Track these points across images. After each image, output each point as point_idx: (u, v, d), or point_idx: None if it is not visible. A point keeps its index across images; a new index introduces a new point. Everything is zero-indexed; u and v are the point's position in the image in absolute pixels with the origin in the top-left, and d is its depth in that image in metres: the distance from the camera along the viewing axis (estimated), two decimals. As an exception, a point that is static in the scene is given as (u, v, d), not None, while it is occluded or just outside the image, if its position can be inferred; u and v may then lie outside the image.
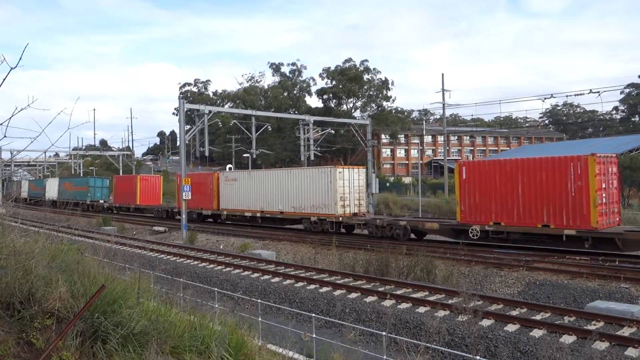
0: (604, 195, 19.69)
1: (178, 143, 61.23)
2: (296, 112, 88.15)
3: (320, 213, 29.19)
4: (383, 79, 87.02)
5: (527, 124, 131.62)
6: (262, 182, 33.32)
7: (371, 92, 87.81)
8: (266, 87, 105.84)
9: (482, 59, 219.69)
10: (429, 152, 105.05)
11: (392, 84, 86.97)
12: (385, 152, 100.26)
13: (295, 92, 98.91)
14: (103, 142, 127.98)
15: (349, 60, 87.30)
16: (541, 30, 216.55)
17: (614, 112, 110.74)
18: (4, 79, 4.34)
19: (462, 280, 18.10)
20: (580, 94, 39.05)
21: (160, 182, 53.83)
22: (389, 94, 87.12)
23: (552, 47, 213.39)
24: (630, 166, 41.72)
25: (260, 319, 11.51)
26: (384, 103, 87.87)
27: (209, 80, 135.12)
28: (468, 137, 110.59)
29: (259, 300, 13.84)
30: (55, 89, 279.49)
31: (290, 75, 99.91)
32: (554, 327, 11.65)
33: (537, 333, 11.49)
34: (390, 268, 18.76)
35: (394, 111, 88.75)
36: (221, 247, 28.84)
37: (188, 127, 48.99)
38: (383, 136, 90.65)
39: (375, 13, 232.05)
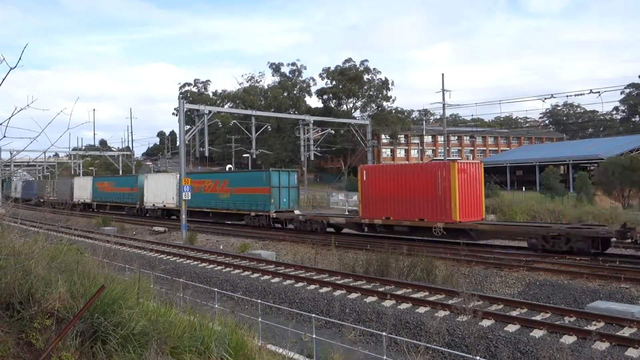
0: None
1: (178, 143, 61.25)
2: (296, 112, 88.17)
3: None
4: (383, 79, 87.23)
5: (527, 124, 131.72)
6: None
7: (371, 92, 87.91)
8: (266, 87, 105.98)
9: (482, 59, 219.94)
10: (429, 152, 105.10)
11: (392, 84, 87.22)
12: (385, 152, 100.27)
13: (295, 92, 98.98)
14: (103, 142, 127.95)
15: (349, 60, 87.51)
16: (541, 31, 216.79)
17: (614, 112, 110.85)
18: (4, 79, 4.33)
19: (462, 280, 18.09)
20: (581, 94, 39.06)
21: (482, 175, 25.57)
22: (389, 94, 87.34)
23: (552, 47, 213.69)
24: (630, 166, 41.67)
25: (260, 319, 11.50)
26: (384, 103, 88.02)
27: (208, 81, 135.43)
28: (468, 137, 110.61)
29: (259, 301, 13.84)
30: (55, 89, 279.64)
31: (290, 76, 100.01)
32: (554, 328, 11.63)
33: (537, 333, 11.48)
34: (391, 268, 18.74)
35: (394, 111, 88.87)
36: (221, 247, 28.83)
37: (188, 127, 48.77)
38: (383, 136, 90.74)
39: (375, 13, 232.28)
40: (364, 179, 26.73)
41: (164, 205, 42.82)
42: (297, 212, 33.11)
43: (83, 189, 57.98)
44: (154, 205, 43.68)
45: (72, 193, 59.39)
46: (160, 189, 42.89)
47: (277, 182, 32.82)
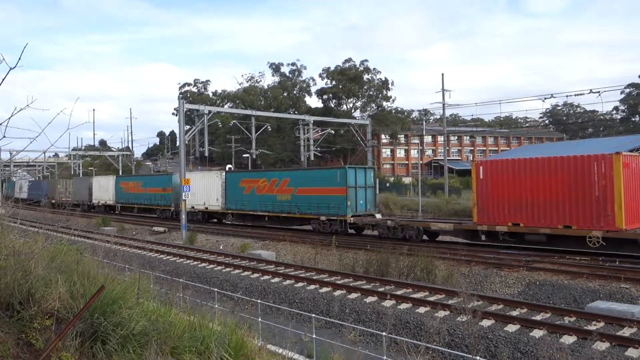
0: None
1: (178, 143, 61.15)
2: (296, 112, 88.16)
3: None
4: (383, 79, 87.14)
5: (527, 124, 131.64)
6: None
7: (371, 92, 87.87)
8: (266, 87, 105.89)
9: (482, 60, 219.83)
10: (429, 152, 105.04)
11: (392, 84, 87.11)
12: (385, 152, 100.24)
13: (295, 92, 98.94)
14: (102, 143, 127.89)
15: (348, 60, 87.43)
16: (541, 31, 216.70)
17: (614, 112, 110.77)
18: (3, 79, 4.32)
19: (462, 280, 18.09)
20: (581, 94, 39.13)
21: None
22: (388, 94, 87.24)
23: (552, 47, 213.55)
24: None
25: (260, 320, 11.50)
26: (384, 103, 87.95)
27: (208, 81, 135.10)
28: (468, 137, 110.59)
29: (259, 301, 13.84)
30: (54, 89, 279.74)
31: (290, 76, 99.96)
32: (555, 328, 11.64)
33: (537, 333, 11.48)
34: (390, 268, 18.76)
35: (394, 111, 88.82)
36: (221, 247, 28.83)
37: (188, 127, 48.47)
38: (383, 136, 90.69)
39: (375, 13, 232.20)
40: (481, 176, 22.33)
41: (206, 208, 37.91)
42: (378, 215, 29.31)
43: (104, 189, 52.92)
44: (193, 207, 38.18)
45: (91, 194, 54.95)
46: (202, 189, 37.67)
47: (353, 181, 28.23)
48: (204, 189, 37.65)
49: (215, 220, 38.60)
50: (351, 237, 27.91)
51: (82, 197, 56.53)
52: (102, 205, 52.14)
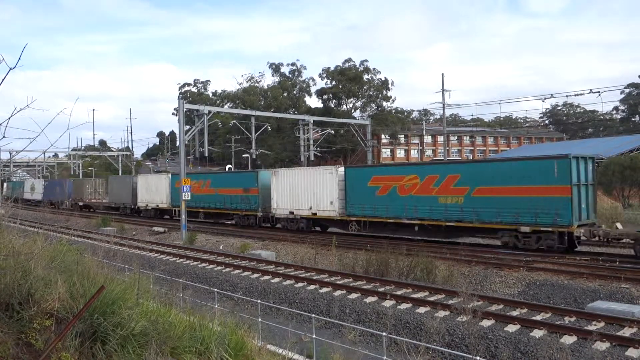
0: None
1: (178, 143, 61.04)
2: (296, 112, 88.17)
3: None
4: (383, 79, 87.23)
5: (527, 124, 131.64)
6: None
7: (371, 92, 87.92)
8: (266, 87, 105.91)
9: (481, 60, 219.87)
10: (428, 152, 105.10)
11: (392, 84, 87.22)
12: (385, 152, 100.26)
13: (295, 92, 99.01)
14: (102, 143, 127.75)
15: (348, 60, 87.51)
16: (540, 31, 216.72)
17: (614, 112, 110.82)
18: (3, 79, 4.32)
19: (462, 280, 18.08)
20: (580, 94, 39.07)
21: None
22: (388, 94, 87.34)
23: (552, 47, 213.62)
24: (630, 166, 41.69)
25: (260, 320, 11.49)
26: (384, 103, 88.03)
27: (208, 81, 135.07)
28: (468, 137, 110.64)
29: (259, 301, 13.84)
30: (54, 89, 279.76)
31: (290, 76, 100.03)
32: (555, 328, 11.63)
33: (537, 333, 11.47)
34: (390, 268, 18.74)
35: (393, 111, 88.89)
36: (221, 247, 28.81)
37: (188, 127, 48.25)
38: (383, 136, 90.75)
39: (374, 14, 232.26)
40: None
41: (314, 214, 29.73)
42: (604, 227, 21.58)
43: (153, 190, 44.20)
44: (291, 213, 30.90)
45: (135, 195, 46.66)
46: (307, 189, 30.18)
47: (576, 177, 20.19)
48: (311, 190, 29.91)
49: (335, 228, 29.95)
50: (351, 237, 27.30)
51: (122, 198, 48.90)
52: (151, 209, 44.44)
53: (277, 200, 31.76)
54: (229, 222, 37.39)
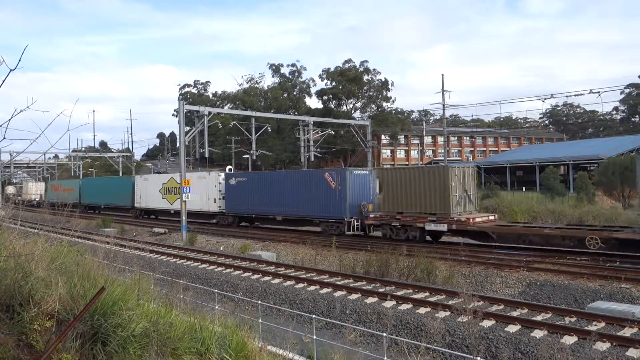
0: None
1: (178, 144, 61.02)
2: (296, 113, 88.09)
3: None
4: (383, 79, 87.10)
5: (527, 125, 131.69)
6: None
7: (371, 93, 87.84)
8: (266, 88, 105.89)
9: (481, 60, 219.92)
10: (429, 153, 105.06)
11: (392, 84, 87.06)
12: (385, 152, 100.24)
13: (295, 93, 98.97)
14: (103, 144, 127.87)
15: (348, 61, 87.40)
16: (540, 32, 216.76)
17: (614, 112, 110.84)
18: (3, 81, 4.32)
19: (463, 281, 18.08)
20: (580, 94, 39.05)
21: None
22: (388, 95, 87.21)
23: (552, 48, 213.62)
24: (630, 166, 41.66)
25: (260, 321, 11.49)
26: (384, 104, 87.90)
27: (208, 82, 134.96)
28: (468, 138, 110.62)
29: (259, 302, 13.83)
30: (54, 91, 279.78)
31: (290, 77, 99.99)
32: (555, 328, 11.63)
33: (538, 334, 11.47)
34: (391, 269, 18.73)
35: (393, 112, 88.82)
36: (221, 248, 28.79)
37: (188, 128, 48.15)
38: (383, 137, 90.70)
39: (374, 15, 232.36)
40: None
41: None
42: None
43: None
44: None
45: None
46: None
47: None
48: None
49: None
50: (351, 238, 27.58)
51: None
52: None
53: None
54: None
